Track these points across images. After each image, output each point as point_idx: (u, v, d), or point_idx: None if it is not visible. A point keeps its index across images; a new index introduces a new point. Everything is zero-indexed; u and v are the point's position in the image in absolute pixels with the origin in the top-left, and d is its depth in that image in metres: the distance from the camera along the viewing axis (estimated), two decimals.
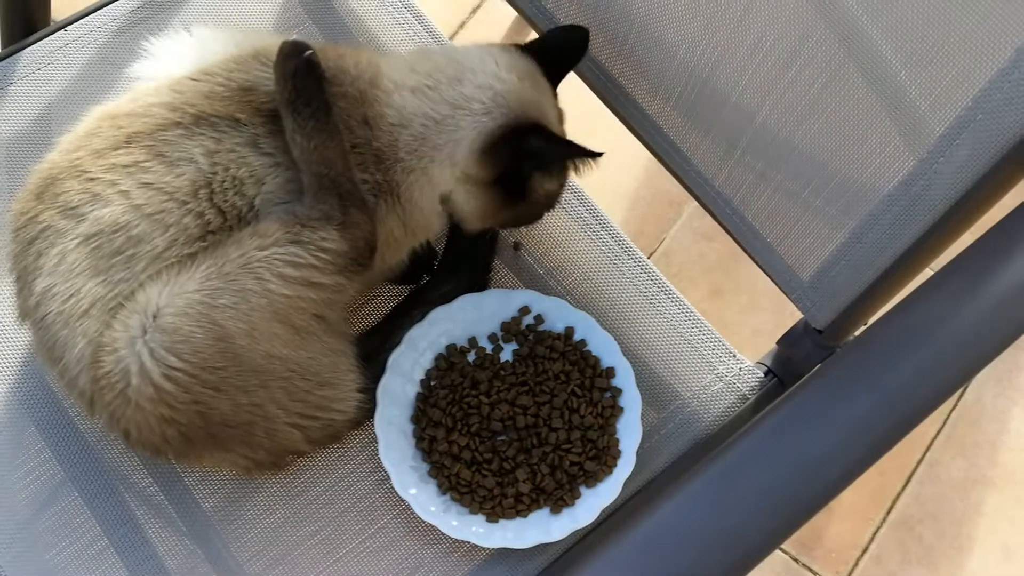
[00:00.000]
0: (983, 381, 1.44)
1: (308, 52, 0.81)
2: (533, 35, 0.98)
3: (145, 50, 0.90)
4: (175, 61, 0.89)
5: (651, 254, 1.50)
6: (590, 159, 0.88)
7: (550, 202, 0.93)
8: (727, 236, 0.95)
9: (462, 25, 1.64)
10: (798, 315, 0.92)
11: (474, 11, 1.65)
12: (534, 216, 0.94)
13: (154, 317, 0.78)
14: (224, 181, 0.81)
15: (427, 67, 0.87)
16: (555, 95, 0.92)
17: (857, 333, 0.90)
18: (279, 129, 0.83)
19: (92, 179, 0.81)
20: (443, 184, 0.87)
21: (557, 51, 0.92)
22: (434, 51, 0.92)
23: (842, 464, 0.61)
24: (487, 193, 0.88)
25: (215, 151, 0.81)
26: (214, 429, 0.82)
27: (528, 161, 0.87)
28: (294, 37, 0.84)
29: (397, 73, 0.87)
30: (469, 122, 0.85)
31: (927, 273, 0.79)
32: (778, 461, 0.62)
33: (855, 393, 0.62)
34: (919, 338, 0.64)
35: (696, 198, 0.95)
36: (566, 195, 1.01)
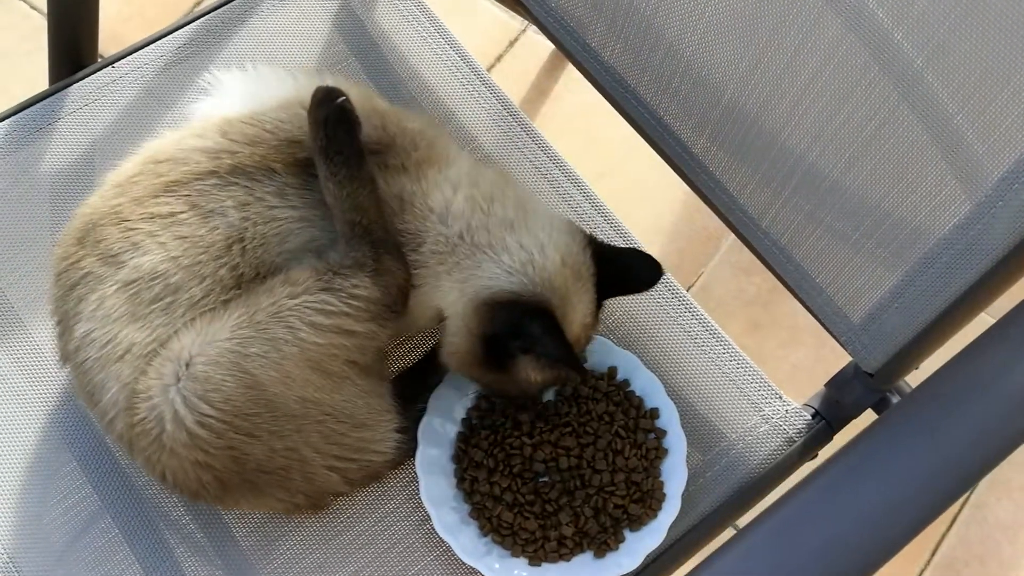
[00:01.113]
0: None
1: (341, 99, 0.81)
2: (571, 68, 0.96)
3: (206, 83, 0.91)
4: (231, 99, 0.90)
5: (689, 288, 1.48)
6: (576, 373, 0.86)
7: (531, 392, 0.87)
8: (766, 271, 0.94)
9: (499, 58, 1.64)
10: (839, 351, 0.90)
11: (511, 44, 1.65)
12: (511, 396, 0.89)
13: (187, 365, 0.78)
14: (255, 237, 0.81)
15: (492, 192, 0.85)
16: (596, 303, 0.87)
17: (908, 377, 0.88)
18: (311, 178, 0.82)
19: (131, 228, 0.81)
20: (442, 301, 0.85)
21: (623, 270, 0.88)
22: (511, 184, 0.88)
23: (909, 516, 0.59)
24: (471, 339, 0.84)
25: (246, 203, 0.82)
26: (249, 475, 0.82)
27: (517, 340, 0.83)
28: (335, 81, 0.84)
29: (459, 173, 0.85)
30: (490, 269, 0.83)
31: (983, 317, 0.77)
32: (841, 513, 0.60)
33: (921, 444, 0.61)
34: (985, 387, 0.63)
35: (740, 236, 0.94)
36: (607, 232, 1.01)
